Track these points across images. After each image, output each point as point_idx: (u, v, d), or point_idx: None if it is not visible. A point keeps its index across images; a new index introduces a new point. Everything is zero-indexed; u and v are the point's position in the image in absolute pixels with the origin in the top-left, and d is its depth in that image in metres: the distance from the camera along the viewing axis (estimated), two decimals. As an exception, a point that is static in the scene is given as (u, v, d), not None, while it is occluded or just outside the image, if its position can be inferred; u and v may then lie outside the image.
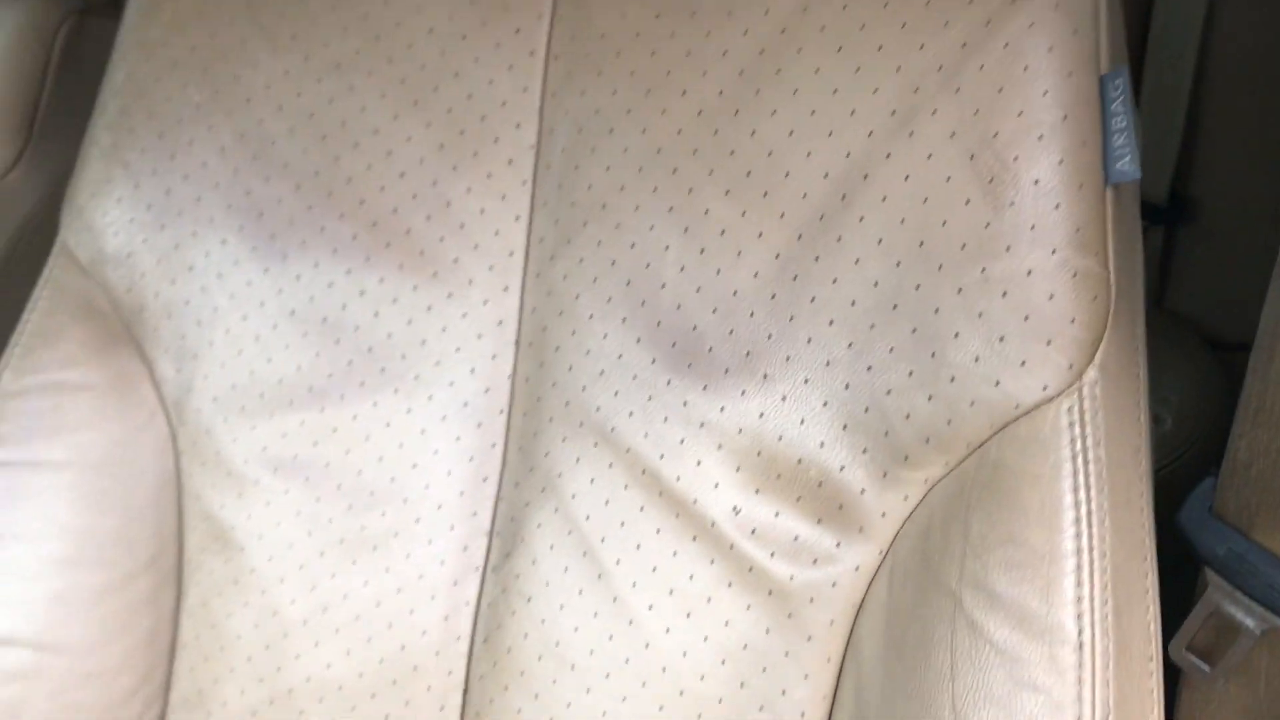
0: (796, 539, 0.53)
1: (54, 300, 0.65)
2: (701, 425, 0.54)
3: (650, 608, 0.55)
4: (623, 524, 0.56)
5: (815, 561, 0.53)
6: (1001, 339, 0.48)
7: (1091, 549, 0.46)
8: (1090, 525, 0.46)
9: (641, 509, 0.56)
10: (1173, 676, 0.55)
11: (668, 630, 0.55)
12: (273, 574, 0.62)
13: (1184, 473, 0.91)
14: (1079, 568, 0.45)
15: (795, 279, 0.52)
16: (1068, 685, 0.45)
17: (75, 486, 0.63)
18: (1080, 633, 0.45)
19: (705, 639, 0.54)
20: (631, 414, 0.56)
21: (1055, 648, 0.45)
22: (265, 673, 0.62)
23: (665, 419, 0.55)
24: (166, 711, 0.65)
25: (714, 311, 0.54)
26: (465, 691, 0.60)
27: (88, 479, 0.63)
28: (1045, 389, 0.47)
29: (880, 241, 0.50)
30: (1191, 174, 1.03)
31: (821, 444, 0.52)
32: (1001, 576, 0.46)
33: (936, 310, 0.49)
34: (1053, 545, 0.46)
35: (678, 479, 0.55)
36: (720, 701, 0.54)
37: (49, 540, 0.62)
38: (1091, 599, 0.45)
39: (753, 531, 0.54)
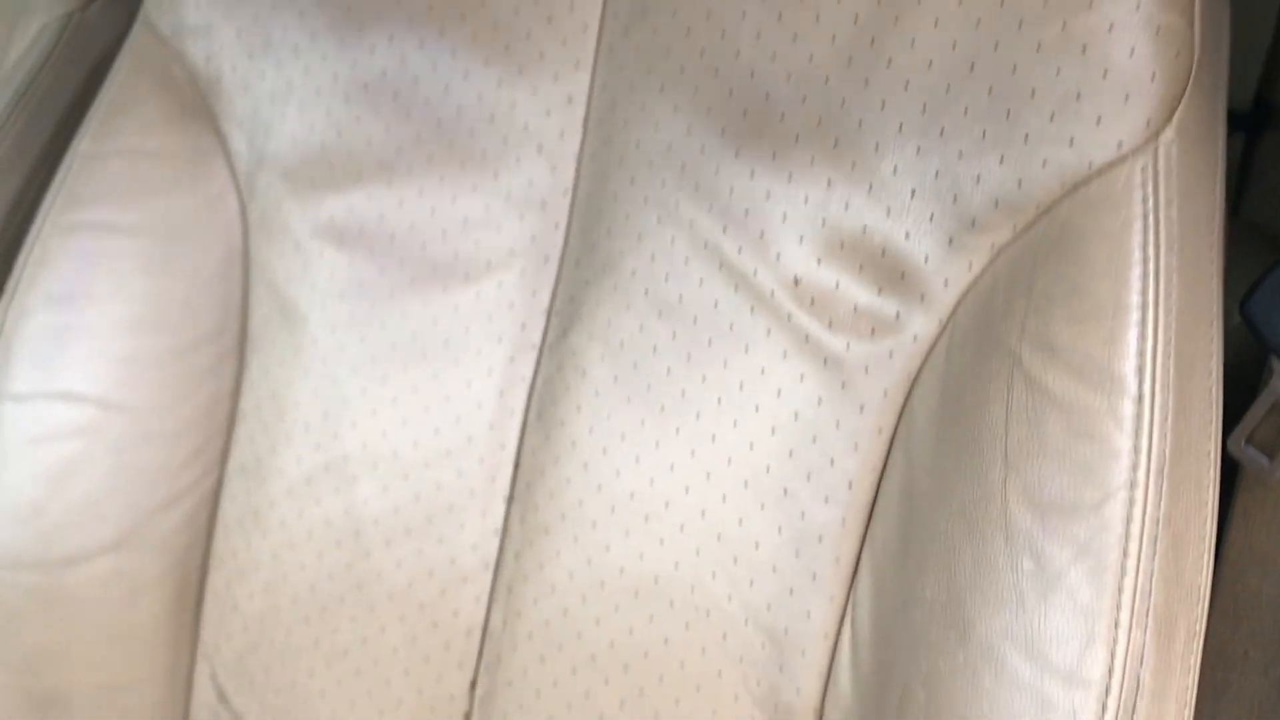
0: (856, 309, 0.53)
1: (134, 70, 0.66)
2: (768, 196, 0.54)
3: (704, 380, 0.56)
4: (681, 298, 0.56)
5: (873, 331, 0.53)
6: (1078, 95, 0.47)
7: (1157, 304, 0.45)
8: (1157, 281, 0.45)
9: (700, 282, 0.56)
10: (1230, 475, 0.54)
11: (719, 401, 0.55)
12: (333, 344, 0.63)
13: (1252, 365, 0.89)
14: (1143, 321, 0.45)
15: (872, 42, 0.52)
16: (1125, 436, 0.44)
17: (147, 252, 0.64)
18: (1140, 385, 0.45)
19: (757, 409, 0.55)
20: (697, 187, 0.56)
21: (1114, 399, 0.45)
22: (322, 440, 0.63)
23: (731, 190, 0.55)
24: (223, 479, 0.66)
25: (788, 79, 0.53)
26: (516, 464, 0.60)
27: (159, 246, 0.65)
28: (1120, 146, 0.46)
29: (960, 0, 0.50)
30: (1278, 79, 1.00)
31: (888, 211, 0.52)
32: (1063, 329, 0.46)
33: (1014, 68, 0.48)
34: (1117, 298, 0.45)
35: (739, 250, 0.55)
36: (767, 470, 0.55)
37: (119, 303, 0.64)
38: (1154, 353, 0.45)
39: (812, 301, 0.53)
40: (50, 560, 0.63)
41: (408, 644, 0.62)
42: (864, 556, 0.53)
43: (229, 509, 0.66)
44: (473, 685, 0.61)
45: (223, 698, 0.66)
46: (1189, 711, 0.45)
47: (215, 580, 0.66)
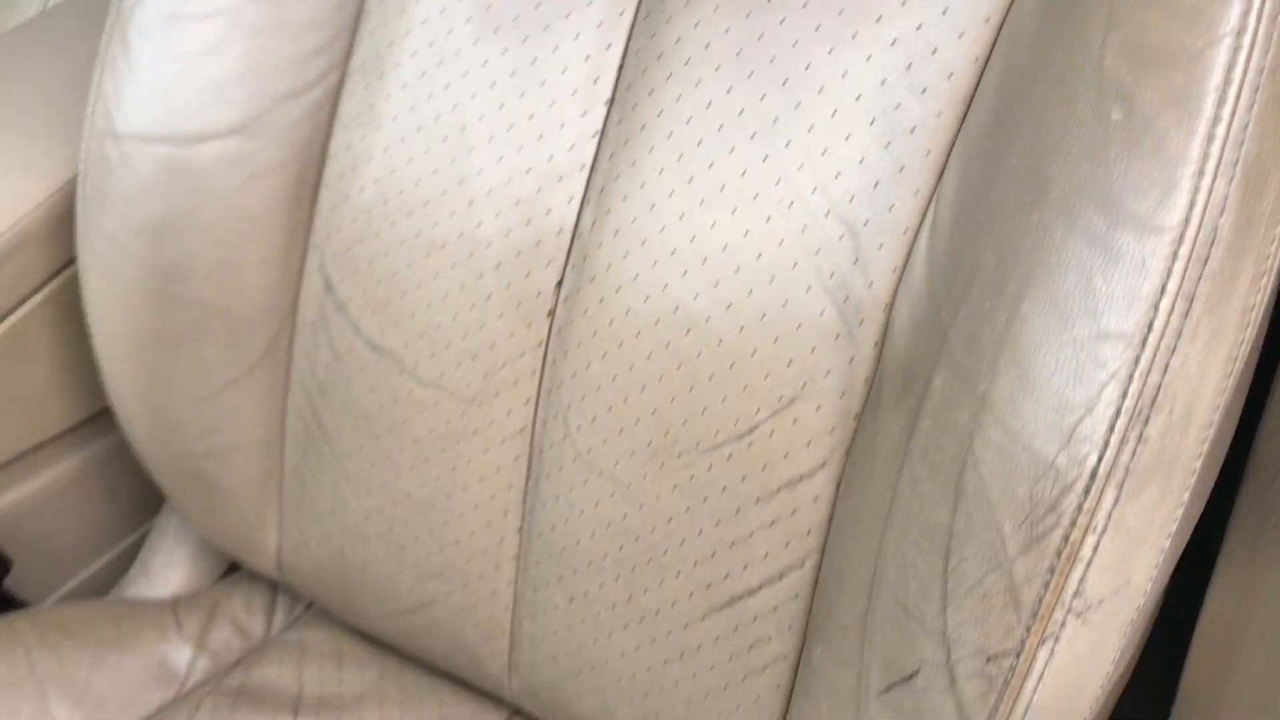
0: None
1: None
2: None
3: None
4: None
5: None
6: None
7: None
8: None
9: None
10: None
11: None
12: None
13: None
14: None
15: None
16: None
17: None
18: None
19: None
20: None
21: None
22: (436, 36, 0.65)
23: None
24: (345, 76, 0.69)
25: None
26: (621, 66, 0.61)
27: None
28: None
29: None
30: None
31: None
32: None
33: None
34: None
35: None
36: (868, 60, 0.54)
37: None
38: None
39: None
40: (180, 135, 0.67)
41: (501, 237, 0.64)
42: (955, 150, 0.53)
43: (347, 105, 0.69)
44: (558, 285, 0.63)
45: (329, 286, 0.70)
46: (1269, 279, 0.44)
47: (330, 173, 0.69)
